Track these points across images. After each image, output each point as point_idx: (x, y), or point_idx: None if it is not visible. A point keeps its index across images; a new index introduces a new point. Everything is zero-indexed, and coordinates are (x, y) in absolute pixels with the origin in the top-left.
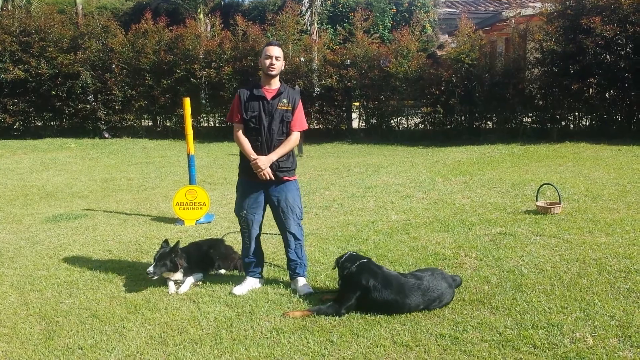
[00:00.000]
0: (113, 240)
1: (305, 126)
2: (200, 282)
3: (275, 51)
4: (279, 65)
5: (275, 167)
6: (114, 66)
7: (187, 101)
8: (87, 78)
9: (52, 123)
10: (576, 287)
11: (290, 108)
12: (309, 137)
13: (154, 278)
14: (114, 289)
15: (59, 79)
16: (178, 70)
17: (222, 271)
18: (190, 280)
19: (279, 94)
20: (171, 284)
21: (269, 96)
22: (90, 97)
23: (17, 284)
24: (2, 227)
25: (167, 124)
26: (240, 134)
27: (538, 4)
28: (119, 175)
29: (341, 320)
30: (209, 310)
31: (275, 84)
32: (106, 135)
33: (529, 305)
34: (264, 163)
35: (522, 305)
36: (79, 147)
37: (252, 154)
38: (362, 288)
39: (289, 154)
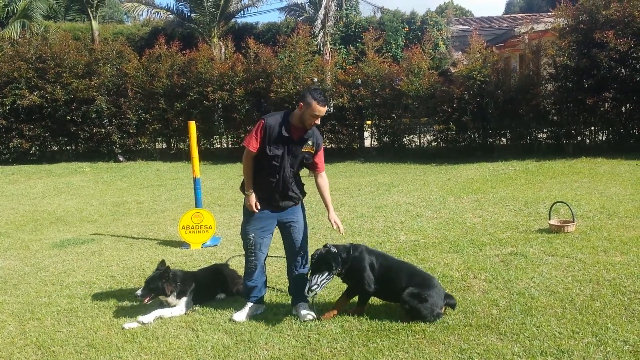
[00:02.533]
0: (117, 265)
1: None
2: (191, 310)
3: (324, 111)
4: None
5: (292, 192)
6: (129, 91)
7: (192, 125)
8: (101, 103)
9: (67, 147)
10: (589, 310)
11: (312, 150)
12: None
13: (145, 301)
14: (112, 316)
15: (74, 104)
16: (191, 93)
17: (223, 295)
18: (158, 312)
19: (305, 136)
20: (157, 311)
21: (295, 137)
22: (105, 121)
23: (17, 312)
24: (10, 254)
25: (181, 146)
26: (249, 159)
27: (550, 20)
28: (130, 198)
29: (342, 348)
30: (207, 339)
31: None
32: (121, 159)
33: (538, 330)
34: (337, 220)
35: (531, 330)
36: (94, 171)
37: (250, 188)
38: (370, 264)
39: (302, 183)
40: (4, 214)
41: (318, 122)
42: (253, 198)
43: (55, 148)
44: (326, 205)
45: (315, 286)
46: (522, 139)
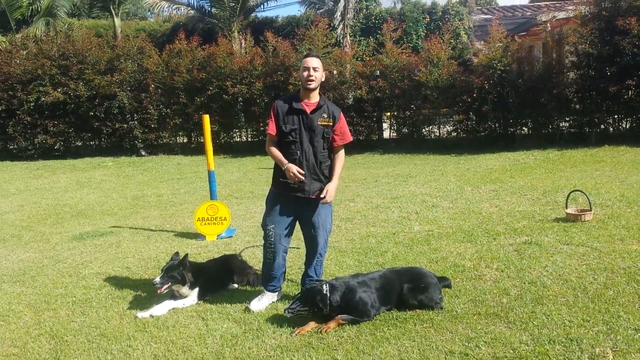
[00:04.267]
0: (134, 257)
1: (349, 139)
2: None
3: (313, 62)
4: (318, 77)
5: (319, 173)
6: (153, 85)
7: (206, 118)
8: (123, 98)
9: (91, 143)
10: (601, 299)
11: (330, 123)
12: None
13: (162, 290)
14: (126, 306)
15: (97, 100)
16: (211, 88)
17: (235, 286)
18: (171, 304)
19: (318, 107)
20: (169, 302)
21: (308, 110)
22: (127, 116)
23: (33, 303)
24: (30, 247)
25: (201, 140)
26: (271, 144)
27: (573, 7)
28: (150, 192)
29: (349, 337)
30: (216, 328)
31: (315, 97)
32: (143, 153)
33: (548, 319)
34: (331, 194)
35: (540, 318)
36: (116, 165)
37: (284, 161)
38: (368, 296)
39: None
40: (27, 208)
41: (315, 77)
42: (292, 166)
43: (79, 143)
44: (331, 175)
45: (291, 312)
46: (543, 128)
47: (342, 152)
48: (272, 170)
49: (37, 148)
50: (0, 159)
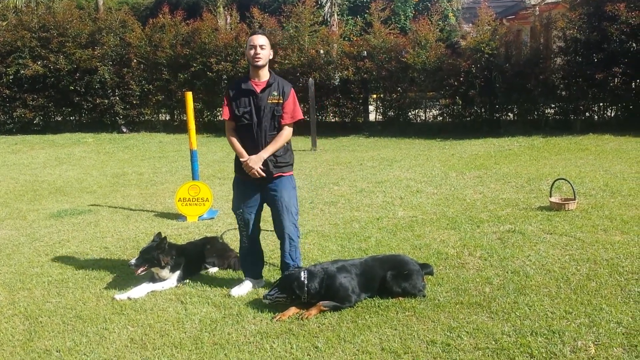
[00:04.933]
0: (112, 236)
1: (299, 116)
2: (184, 282)
3: (260, 40)
4: (264, 55)
5: (272, 162)
6: (135, 60)
7: (189, 95)
8: (104, 73)
9: (71, 118)
10: (584, 290)
11: (280, 101)
12: (324, 130)
13: (139, 272)
14: (103, 288)
15: (77, 74)
16: (194, 64)
17: (215, 269)
18: (149, 287)
19: (268, 86)
20: (148, 285)
21: (257, 89)
22: (109, 92)
23: (8, 282)
24: (7, 224)
25: (184, 118)
26: (229, 131)
27: None
28: (131, 170)
29: (330, 324)
30: (195, 312)
31: (264, 75)
32: (124, 130)
33: (530, 310)
34: (256, 162)
35: (523, 309)
36: (96, 142)
37: (244, 154)
38: (349, 282)
39: (286, 148)
40: (4, 183)
41: (262, 55)
42: (252, 159)
43: (59, 118)
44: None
45: (270, 298)
46: (529, 114)
47: (286, 131)
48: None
49: (16, 122)
50: None
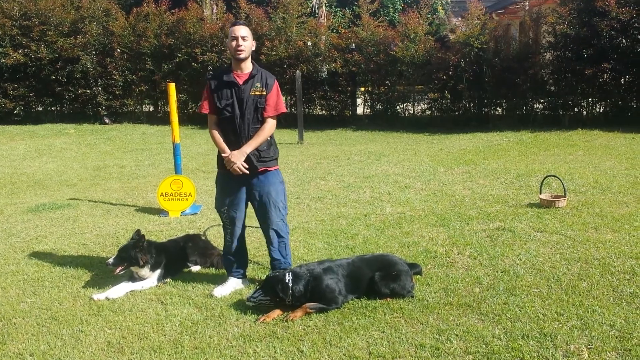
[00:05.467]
0: (91, 232)
1: (282, 109)
2: (162, 283)
3: (242, 31)
4: (247, 46)
5: (255, 157)
6: (118, 50)
7: (172, 87)
8: (87, 62)
9: (52, 108)
10: (575, 291)
11: (264, 93)
12: (311, 123)
13: (117, 271)
14: (80, 287)
15: (59, 64)
16: (179, 55)
17: (197, 267)
18: (128, 287)
19: (251, 77)
20: (127, 284)
21: (240, 81)
22: (91, 81)
23: None
24: None
25: (168, 110)
26: (211, 124)
27: None
28: (112, 162)
29: (315, 326)
30: (176, 313)
31: (247, 67)
32: (107, 121)
33: (521, 311)
34: (238, 157)
35: (514, 310)
36: (78, 133)
37: (226, 150)
38: (336, 283)
39: (270, 142)
40: None
41: (244, 46)
42: (234, 154)
43: (40, 109)
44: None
45: (253, 301)
46: (518, 109)
47: (270, 124)
48: (217, 152)
49: None
50: None
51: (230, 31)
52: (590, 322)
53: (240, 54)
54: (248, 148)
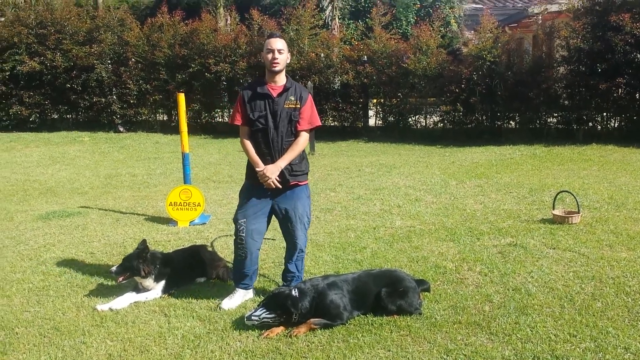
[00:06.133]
0: (99, 241)
1: (317, 123)
2: (169, 293)
3: (278, 44)
4: (282, 59)
5: (287, 171)
6: (133, 59)
7: (181, 97)
8: (102, 71)
9: (67, 116)
10: (589, 311)
11: (297, 106)
12: (323, 134)
13: (120, 280)
14: (84, 297)
15: (74, 72)
16: (193, 65)
17: (203, 279)
18: (132, 298)
19: (285, 90)
20: (131, 295)
21: (274, 94)
22: (106, 90)
23: None
24: None
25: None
26: (244, 138)
27: (565, 0)
28: (124, 171)
29: (320, 342)
30: (179, 326)
31: (281, 80)
32: (121, 130)
33: (532, 332)
34: (273, 172)
35: (525, 330)
36: (92, 141)
37: (259, 164)
38: (341, 299)
39: (302, 156)
40: None
41: (280, 59)
42: (269, 168)
43: (56, 116)
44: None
45: (256, 319)
46: (531, 123)
47: (303, 137)
48: (247, 163)
49: (12, 119)
50: None
51: (266, 43)
52: (604, 345)
53: (275, 67)
54: (283, 162)
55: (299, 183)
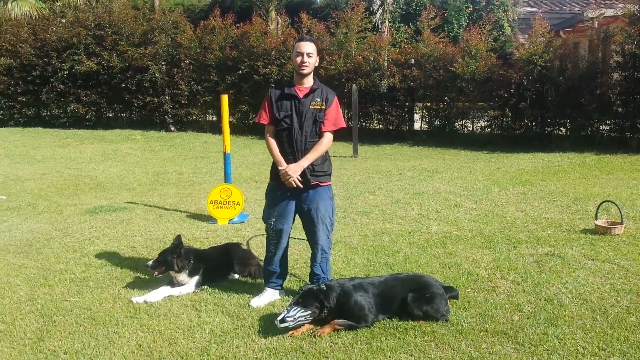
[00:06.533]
0: (141, 236)
1: (342, 124)
2: (202, 288)
3: (307, 47)
4: (311, 62)
5: (309, 171)
6: (187, 61)
7: (224, 98)
8: (155, 72)
9: (122, 115)
10: (621, 325)
11: (323, 107)
12: (367, 137)
13: (156, 274)
14: (122, 288)
15: (129, 72)
16: (242, 67)
17: (236, 276)
18: (167, 292)
19: (311, 92)
20: (166, 289)
21: (300, 94)
22: (159, 90)
23: (32, 277)
24: (43, 217)
25: (231, 120)
26: (269, 137)
27: (621, 5)
28: (172, 168)
29: (343, 344)
30: (208, 321)
31: (308, 82)
32: (172, 129)
33: (560, 343)
34: (295, 171)
35: (552, 342)
36: (144, 139)
37: (282, 163)
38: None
39: (325, 157)
40: (49, 177)
41: (308, 63)
42: (291, 167)
43: (111, 115)
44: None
45: (291, 320)
46: (582, 130)
47: (327, 138)
48: (271, 164)
49: (70, 117)
50: (33, 126)
51: (295, 46)
52: None
53: (303, 70)
54: (305, 162)
55: (320, 184)
